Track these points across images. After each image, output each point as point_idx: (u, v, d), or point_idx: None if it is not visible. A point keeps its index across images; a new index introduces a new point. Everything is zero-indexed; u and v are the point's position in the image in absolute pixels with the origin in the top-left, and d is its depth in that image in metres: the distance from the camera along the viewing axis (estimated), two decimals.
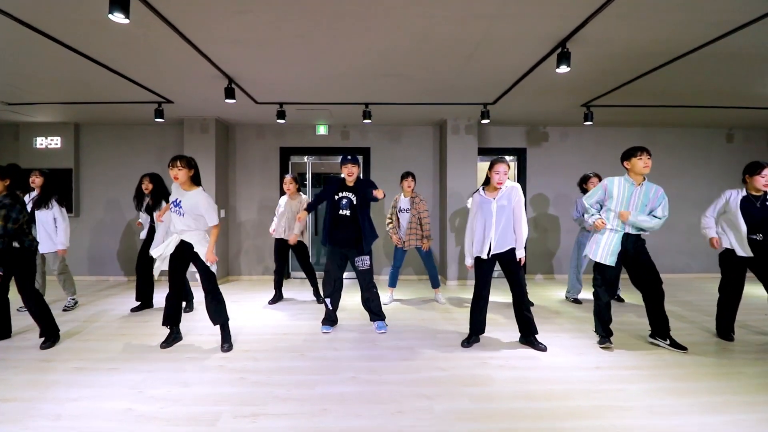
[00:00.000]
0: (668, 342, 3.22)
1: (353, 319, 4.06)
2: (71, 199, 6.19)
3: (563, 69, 3.17)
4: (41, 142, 6.24)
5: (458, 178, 6.00)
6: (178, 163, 3.10)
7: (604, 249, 3.19)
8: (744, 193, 3.37)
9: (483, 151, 6.45)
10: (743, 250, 3.29)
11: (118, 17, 2.32)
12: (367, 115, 5.08)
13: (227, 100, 4.16)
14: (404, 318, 4.15)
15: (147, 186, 4.27)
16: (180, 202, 3.12)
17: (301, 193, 4.85)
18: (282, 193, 6.42)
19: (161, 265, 3.22)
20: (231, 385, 2.61)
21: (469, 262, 3.34)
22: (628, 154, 3.19)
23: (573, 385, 2.61)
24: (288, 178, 4.72)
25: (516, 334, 3.49)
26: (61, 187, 4.42)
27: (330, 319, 3.77)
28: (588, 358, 3.05)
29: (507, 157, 6.62)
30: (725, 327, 3.47)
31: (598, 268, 3.27)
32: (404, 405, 2.34)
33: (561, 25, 2.98)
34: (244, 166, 6.44)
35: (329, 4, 2.69)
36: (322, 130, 6.36)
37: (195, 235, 3.15)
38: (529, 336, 3.30)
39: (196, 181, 3.21)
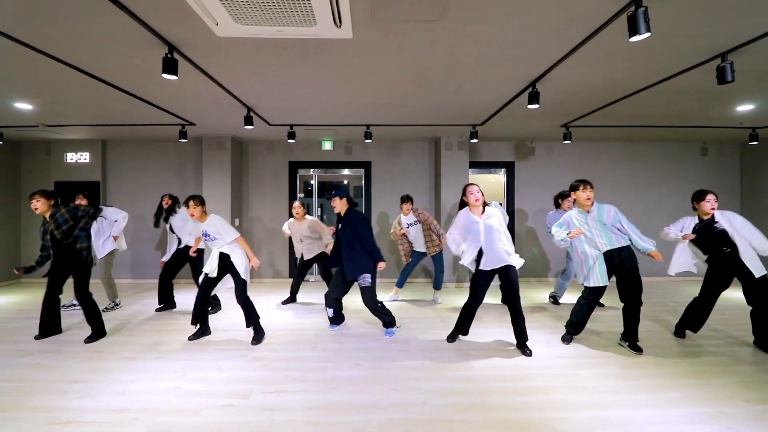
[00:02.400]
0: (628, 344, 3.60)
1: (356, 318, 4.63)
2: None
3: (533, 106, 3.76)
4: (71, 157, 6.87)
5: (452, 189, 6.57)
6: (192, 203, 3.72)
7: (595, 274, 3.51)
8: (696, 219, 3.77)
9: (474, 165, 7.04)
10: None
11: (169, 77, 2.91)
12: (368, 135, 5.67)
13: (246, 127, 4.77)
14: (403, 317, 4.72)
15: (167, 201, 4.91)
16: (207, 232, 3.80)
17: (307, 216, 5.16)
18: (291, 205, 7.02)
19: (211, 273, 3.80)
20: (257, 370, 3.20)
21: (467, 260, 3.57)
22: (573, 188, 3.63)
23: (537, 371, 3.18)
24: (297, 203, 5.07)
25: (497, 331, 4.06)
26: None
27: (335, 321, 4.28)
28: (553, 350, 3.62)
29: (498, 170, 7.24)
30: (682, 328, 3.94)
31: (592, 288, 3.58)
32: (397, 385, 2.92)
33: (531, 70, 3.57)
34: (256, 179, 7.05)
35: (333, 58, 3.29)
36: (327, 145, 6.96)
37: (228, 247, 3.79)
38: (521, 344, 3.57)
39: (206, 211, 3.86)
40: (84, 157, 6.86)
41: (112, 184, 6.95)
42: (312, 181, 7.36)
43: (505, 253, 3.49)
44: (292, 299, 5.43)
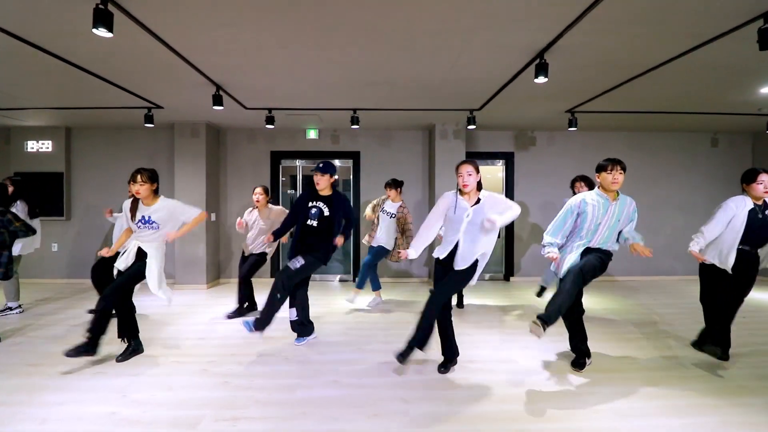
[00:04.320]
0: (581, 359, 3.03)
1: (337, 323, 4.13)
2: (63, 203, 6.23)
3: (541, 80, 3.26)
4: (32, 145, 6.27)
5: (447, 181, 6.07)
6: (140, 178, 2.97)
7: (566, 265, 2.93)
8: (750, 204, 3.04)
9: (471, 156, 6.53)
10: (725, 265, 3.07)
11: (102, 32, 2.38)
12: (354, 120, 5.16)
13: (215, 107, 4.23)
14: (393, 321, 4.22)
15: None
16: (150, 218, 3.05)
17: (270, 204, 4.50)
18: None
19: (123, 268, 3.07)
20: (214, 389, 2.68)
21: (413, 254, 2.91)
22: (599, 168, 2.94)
23: (546, 388, 2.70)
24: (260, 189, 4.41)
25: (498, 337, 3.56)
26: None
27: (305, 331, 3.58)
28: (564, 362, 3.13)
29: (497, 162, 6.75)
30: (703, 339, 3.30)
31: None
32: (381, 408, 2.42)
33: (538, 37, 3.06)
34: (235, 170, 6.50)
35: (308, 18, 2.76)
36: (312, 134, 6.43)
37: (152, 246, 3.09)
38: (449, 361, 2.99)
39: (156, 192, 3.13)
40: (46, 145, 6.26)
41: (77, 174, 6.37)
42: (296, 173, 6.83)
43: (475, 251, 2.79)
44: (249, 307, 4.54)
